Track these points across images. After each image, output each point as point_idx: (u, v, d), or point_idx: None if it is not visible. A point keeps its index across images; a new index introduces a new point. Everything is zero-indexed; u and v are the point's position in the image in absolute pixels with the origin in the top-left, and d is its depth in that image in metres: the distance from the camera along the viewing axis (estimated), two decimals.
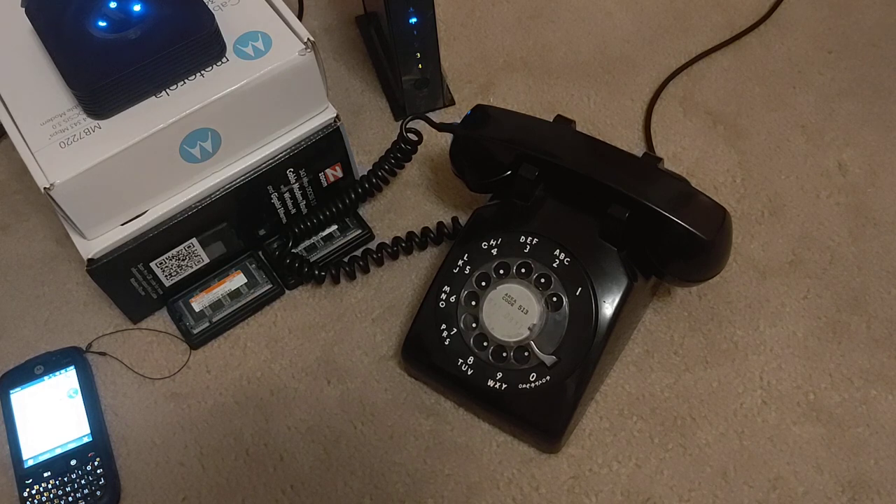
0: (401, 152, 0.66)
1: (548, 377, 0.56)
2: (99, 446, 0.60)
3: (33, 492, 0.58)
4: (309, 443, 0.61)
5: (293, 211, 0.67)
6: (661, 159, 0.59)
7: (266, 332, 0.66)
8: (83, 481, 0.58)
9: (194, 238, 0.63)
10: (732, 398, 0.60)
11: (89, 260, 0.58)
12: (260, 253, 0.68)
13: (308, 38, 0.58)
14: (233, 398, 0.63)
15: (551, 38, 0.82)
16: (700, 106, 0.76)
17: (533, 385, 0.56)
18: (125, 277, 0.61)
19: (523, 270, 0.58)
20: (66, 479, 0.59)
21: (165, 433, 0.62)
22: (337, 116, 0.63)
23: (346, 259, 0.67)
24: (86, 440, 0.60)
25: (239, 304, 0.66)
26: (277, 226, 0.68)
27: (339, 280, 0.67)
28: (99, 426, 0.61)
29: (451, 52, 0.81)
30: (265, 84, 0.58)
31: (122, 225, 0.59)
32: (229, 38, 0.58)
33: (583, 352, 0.56)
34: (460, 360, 0.58)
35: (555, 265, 0.58)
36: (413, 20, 0.68)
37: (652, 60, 0.79)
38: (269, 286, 0.66)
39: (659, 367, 0.62)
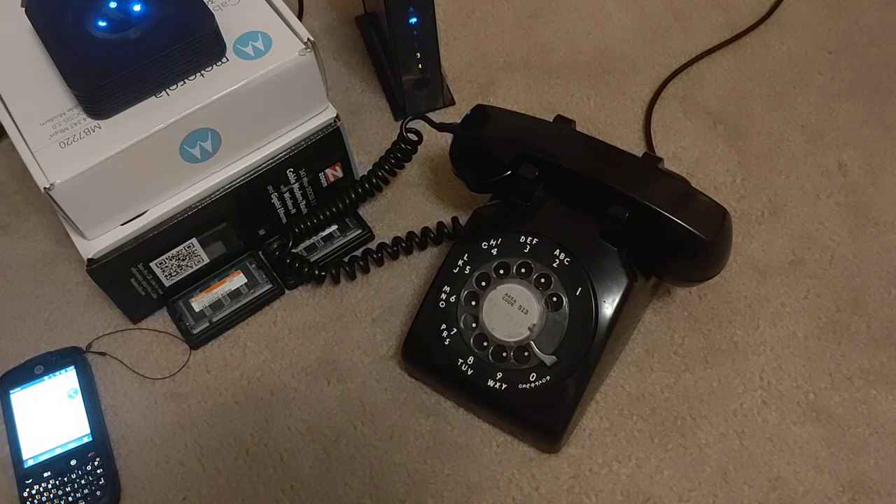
0: (401, 152, 0.66)
1: (548, 377, 0.56)
2: (99, 446, 0.60)
3: (33, 492, 0.58)
4: (309, 443, 0.61)
5: (293, 211, 0.67)
6: (661, 159, 0.59)
7: (266, 332, 0.66)
8: (83, 481, 0.58)
9: (194, 238, 0.63)
10: (732, 398, 0.60)
11: (89, 260, 0.58)
12: (260, 253, 0.68)
13: (308, 38, 0.58)
14: (233, 398, 0.63)
15: (551, 38, 0.82)
16: (700, 106, 0.76)
17: (533, 385, 0.56)
18: (125, 277, 0.61)
19: (523, 270, 0.58)
20: (66, 478, 0.59)
21: (165, 433, 0.62)
22: (337, 116, 0.63)
23: (346, 259, 0.67)
24: (86, 440, 0.60)
25: (239, 304, 0.66)
26: (277, 226, 0.68)
27: (339, 280, 0.67)
28: (99, 426, 0.61)
29: (451, 52, 0.81)
30: (265, 84, 0.58)
31: (122, 225, 0.59)
32: (229, 38, 0.58)
33: (583, 352, 0.56)
34: (460, 360, 0.58)
35: (555, 265, 0.58)
36: (413, 20, 0.68)
37: (652, 60, 0.79)
38: (269, 286, 0.66)
39: (659, 367, 0.62)
